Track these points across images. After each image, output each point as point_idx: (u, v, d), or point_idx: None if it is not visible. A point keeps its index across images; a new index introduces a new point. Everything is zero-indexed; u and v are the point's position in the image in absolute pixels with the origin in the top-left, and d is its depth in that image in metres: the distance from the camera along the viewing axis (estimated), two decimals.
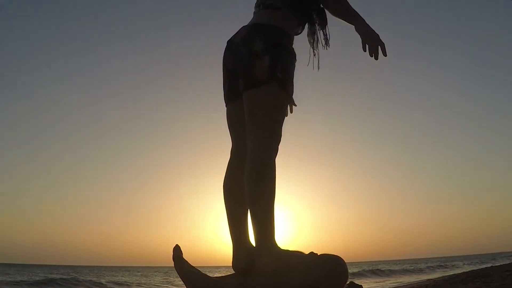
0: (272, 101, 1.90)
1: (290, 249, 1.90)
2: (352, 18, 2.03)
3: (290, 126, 2.02)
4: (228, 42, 2.05)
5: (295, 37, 2.06)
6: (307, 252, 1.87)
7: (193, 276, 1.94)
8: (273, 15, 1.99)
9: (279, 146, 1.93)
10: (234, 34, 2.02)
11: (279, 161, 1.91)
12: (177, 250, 1.96)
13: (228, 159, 2.07)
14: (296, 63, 2.00)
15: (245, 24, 2.05)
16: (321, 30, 2.14)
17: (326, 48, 2.16)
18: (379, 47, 1.98)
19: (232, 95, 2.04)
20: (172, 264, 1.95)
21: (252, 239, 1.93)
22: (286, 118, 2.00)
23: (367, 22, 2.00)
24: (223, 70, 2.08)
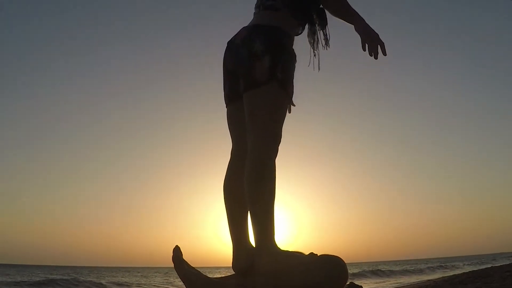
0: (272, 102, 1.90)
1: (290, 249, 1.90)
2: (352, 18, 2.03)
3: (290, 126, 2.02)
4: (228, 43, 2.05)
5: (295, 37, 2.06)
6: (307, 253, 1.87)
7: (193, 277, 1.94)
8: (273, 16, 1.99)
9: (279, 147, 1.93)
10: (235, 35, 2.03)
11: (279, 161, 1.91)
12: (177, 251, 1.96)
13: (228, 159, 2.08)
14: (297, 64, 2.00)
15: (245, 24, 2.05)
16: (321, 31, 2.15)
17: (326, 49, 2.16)
18: (379, 46, 1.98)
19: (232, 95, 2.04)
20: (172, 264, 1.95)
21: (252, 240, 1.93)
22: (286, 118, 2.00)
23: (366, 22, 2.01)
24: (223, 71, 2.08)
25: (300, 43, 2.10)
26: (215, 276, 2.07)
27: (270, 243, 1.84)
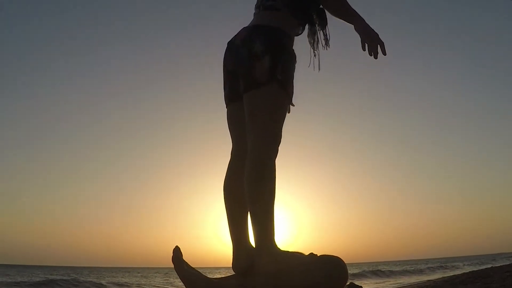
0: (272, 102, 1.90)
1: (290, 250, 1.90)
2: (352, 17, 2.03)
3: (290, 126, 2.03)
4: (228, 43, 2.05)
5: (295, 38, 2.06)
6: (306, 253, 1.87)
7: (193, 277, 1.94)
8: (273, 16, 1.99)
9: (279, 147, 1.93)
10: (235, 36, 2.03)
11: (279, 161, 1.91)
12: (177, 251, 1.96)
13: (228, 159, 2.08)
14: (297, 64, 2.00)
15: (245, 25, 2.05)
16: (321, 31, 2.15)
17: (326, 49, 2.16)
18: (379, 46, 1.98)
19: (232, 96, 2.04)
20: (172, 265, 1.95)
21: (252, 240, 1.93)
22: (286, 118, 2.00)
23: (366, 22, 2.01)
24: (223, 71, 2.08)
25: (300, 44, 2.10)
26: (215, 277, 2.07)
27: (270, 243, 1.84)
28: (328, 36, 2.15)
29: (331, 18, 2.12)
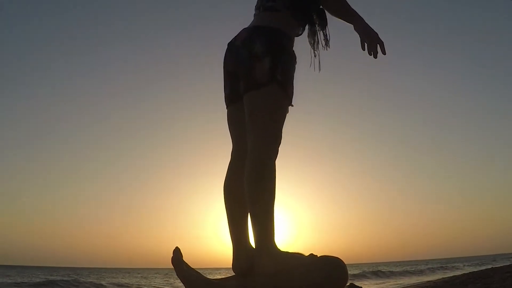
0: (273, 103, 1.90)
1: (290, 251, 1.90)
2: (352, 17, 2.04)
3: (290, 127, 2.02)
4: (228, 44, 2.05)
5: (295, 38, 2.06)
6: (306, 254, 1.87)
7: (193, 278, 1.94)
8: (273, 17, 2.00)
9: (280, 148, 1.93)
10: (235, 36, 2.03)
11: (279, 161, 1.91)
12: (177, 252, 1.96)
13: (228, 159, 2.08)
14: (297, 65, 2.00)
15: (246, 24, 2.05)
16: (321, 31, 2.15)
17: (326, 49, 2.16)
18: (378, 45, 1.99)
19: (233, 96, 2.04)
20: (172, 265, 1.95)
21: (252, 240, 1.93)
22: (285, 119, 2.00)
23: (366, 22, 2.01)
24: (223, 72, 2.08)
25: (301, 44, 2.10)
26: (215, 277, 2.07)
27: (270, 243, 1.84)
28: (328, 37, 2.15)
29: (331, 19, 2.13)
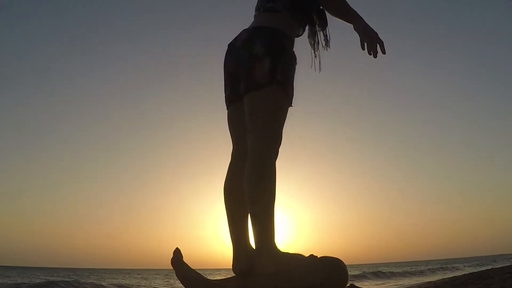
0: (273, 103, 1.90)
1: (290, 252, 1.90)
2: (352, 17, 2.04)
3: (290, 127, 2.02)
4: (229, 45, 2.05)
5: (295, 39, 2.06)
6: (307, 255, 1.87)
7: (193, 279, 1.94)
8: (273, 18, 2.00)
9: (280, 148, 1.92)
10: (235, 37, 2.03)
11: (279, 161, 1.90)
12: (177, 253, 1.96)
13: (229, 159, 2.07)
14: (297, 65, 2.00)
15: (246, 24, 2.06)
16: (321, 32, 2.15)
17: (327, 49, 2.16)
18: (378, 45, 1.99)
19: (233, 97, 2.04)
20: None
21: (252, 241, 1.92)
22: (285, 119, 2.00)
23: (366, 22, 2.02)
24: (224, 73, 2.08)
25: (301, 45, 2.10)
26: (215, 278, 2.07)
27: (270, 244, 1.84)
28: (328, 37, 2.15)
29: (331, 19, 2.13)
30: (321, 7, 2.11)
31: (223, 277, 2.10)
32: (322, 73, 2.15)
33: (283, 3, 2.01)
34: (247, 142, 1.94)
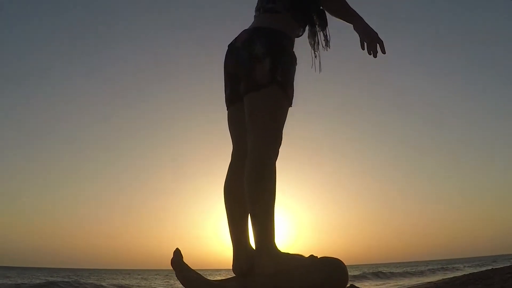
0: (273, 103, 1.90)
1: (290, 252, 1.90)
2: (352, 17, 2.04)
3: (290, 127, 2.02)
4: (229, 46, 2.05)
5: (295, 39, 2.06)
6: (306, 255, 1.87)
7: (193, 280, 1.93)
8: (273, 18, 2.00)
9: (280, 149, 1.92)
10: (235, 38, 2.03)
11: (279, 161, 1.90)
12: (177, 254, 1.96)
13: (229, 159, 2.07)
14: (298, 65, 2.00)
15: (246, 24, 2.06)
16: (321, 32, 2.15)
17: (327, 50, 2.16)
18: (378, 45, 1.99)
19: (233, 97, 2.04)
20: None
21: (252, 241, 1.92)
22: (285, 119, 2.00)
23: (366, 22, 2.02)
24: (224, 73, 2.08)
25: (301, 45, 2.10)
26: (215, 279, 2.07)
27: (270, 244, 1.84)
28: (328, 37, 2.15)
29: (331, 19, 2.13)
30: (321, 8, 2.11)
31: (223, 277, 2.10)
32: (322, 73, 2.15)
33: (283, 3, 2.01)
34: (247, 142, 1.94)
